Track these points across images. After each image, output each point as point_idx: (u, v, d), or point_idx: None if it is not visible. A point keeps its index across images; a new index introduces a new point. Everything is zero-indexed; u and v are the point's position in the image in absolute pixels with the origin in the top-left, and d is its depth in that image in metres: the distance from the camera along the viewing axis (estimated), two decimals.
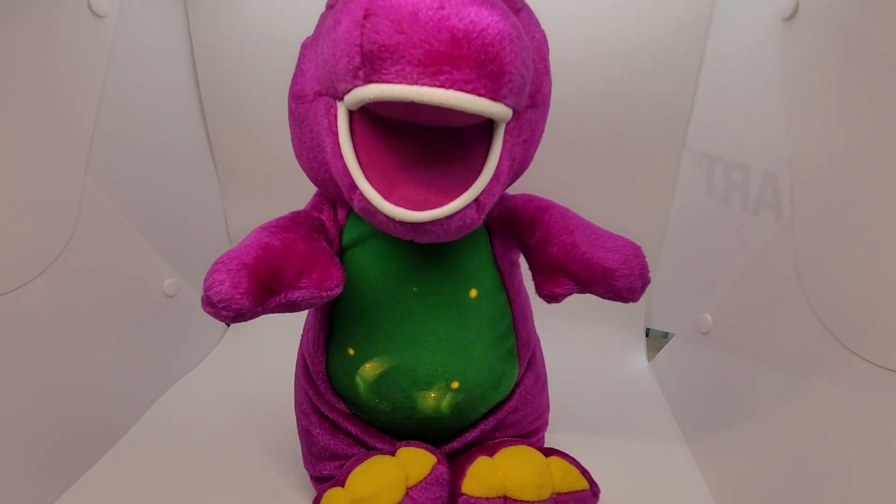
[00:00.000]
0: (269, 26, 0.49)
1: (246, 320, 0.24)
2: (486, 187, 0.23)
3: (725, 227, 0.44)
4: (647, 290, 0.53)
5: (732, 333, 0.41)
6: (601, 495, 0.32)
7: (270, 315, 0.57)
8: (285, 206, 0.41)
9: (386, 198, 0.22)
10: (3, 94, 0.34)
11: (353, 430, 0.33)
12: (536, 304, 0.36)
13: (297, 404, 0.35)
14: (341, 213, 0.31)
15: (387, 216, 0.22)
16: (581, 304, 0.54)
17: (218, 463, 0.39)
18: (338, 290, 0.26)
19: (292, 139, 0.29)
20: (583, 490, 0.29)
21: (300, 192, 0.37)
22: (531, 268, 0.30)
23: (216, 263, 0.23)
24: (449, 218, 0.22)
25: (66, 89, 0.39)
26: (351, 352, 0.32)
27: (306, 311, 0.35)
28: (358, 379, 0.32)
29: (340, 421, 0.33)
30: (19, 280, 0.36)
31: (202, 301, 0.23)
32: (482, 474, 0.29)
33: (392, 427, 0.33)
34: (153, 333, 0.48)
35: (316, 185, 0.30)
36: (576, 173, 0.50)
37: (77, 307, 0.40)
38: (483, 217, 0.24)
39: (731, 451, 0.38)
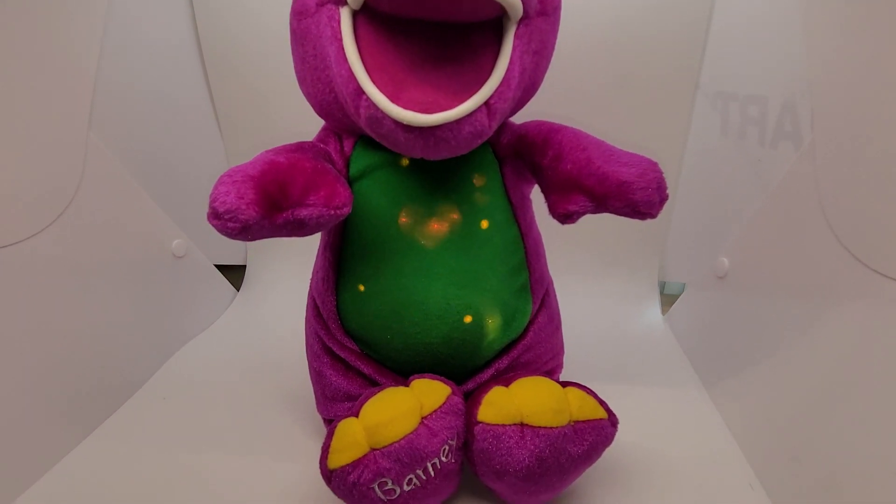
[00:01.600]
0: None
1: (253, 236, 0.23)
2: (497, 90, 0.22)
3: (741, 167, 0.42)
4: (660, 241, 0.53)
5: (751, 273, 0.40)
6: (620, 435, 0.31)
7: (281, 277, 0.58)
8: None
9: (393, 101, 0.21)
10: (2, 47, 0.33)
11: (365, 369, 0.33)
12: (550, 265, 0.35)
13: (309, 346, 0.35)
14: (347, 145, 0.30)
15: (395, 121, 0.21)
16: (593, 258, 0.54)
17: (232, 413, 0.39)
18: (346, 210, 0.25)
19: (295, 64, 0.29)
20: (601, 419, 0.29)
21: None
22: (545, 190, 0.29)
23: (221, 178, 0.22)
24: (460, 123, 0.22)
25: (65, 40, 0.38)
26: (361, 288, 0.31)
27: (314, 257, 0.34)
28: (369, 316, 0.31)
29: (352, 360, 0.33)
30: (27, 231, 0.36)
31: (208, 215, 0.22)
32: (498, 402, 0.28)
33: (405, 365, 0.33)
34: (164, 293, 0.48)
35: (321, 113, 0.29)
36: (585, 118, 0.48)
37: (86, 261, 0.40)
38: (494, 125, 0.23)
39: (750, 389, 0.37)
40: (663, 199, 0.26)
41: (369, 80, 0.21)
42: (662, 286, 0.57)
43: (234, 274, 0.58)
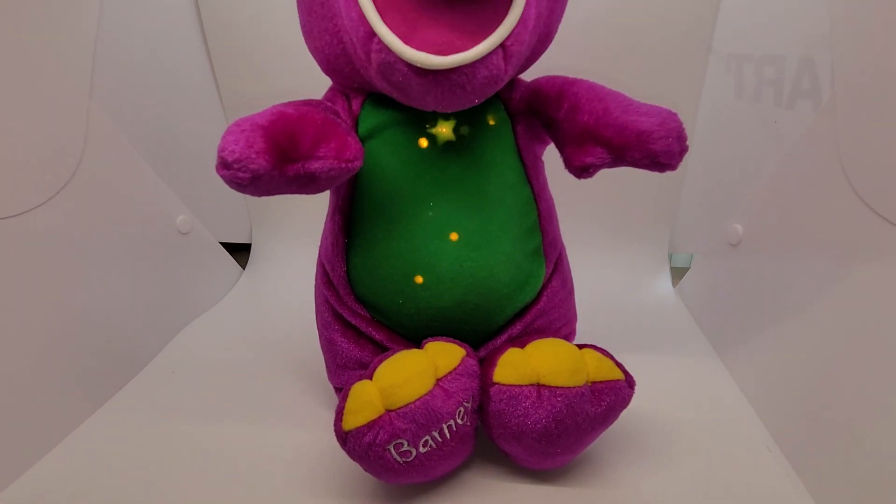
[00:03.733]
0: None
1: (264, 189, 0.22)
2: (513, 31, 0.21)
3: (756, 130, 0.42)
4: (671, 211, 0.52)
5: (766, 237, 0.39)
6: (634, 402, 0.30)
7: (287, 255, 0.57)
8: None
9: (406, 42, 0.20)
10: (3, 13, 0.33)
11: (376, 336, 0.32)
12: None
13: (319, 314, 0.35)
14: (356, 104, 0.29)
15: (408, 65, 0.21)
16: (603, 230, 0.54)
17: (242, 385, 0.39)
18: (358, 164, 0.24)
19: (301, 17, 0.28)
20: (618, 380, 0.28)
21: None
22: (560, 144, 0.28)
23: (229, 127, 0.22)
24: (475, 66, 0.21)
25: (64, 7, 0.37)
26: (372, 251, 0.30)
27: (320, 234, 0.34)
28: (381, 280, 0.30)
29: (363, 327, 0.32)
30: (31, 202, 0.35)
31: (217, 166, 0.22)
32: (514, 362, 0.28)
33: (417, 332, 0.32)
34: (170, 269, 0.47)
35: (327, 69, 0.29)
36: (596, 80, 0.48)
37: (91, 233, 0.39)
38: (511, 71, 0.22)
39: (764, 354, 0.36)
40: (683, 149, 0.25)
41: (381, 21, 0.20)
42: (670, 259, 0.56)
43: (239, 253, 0.58)
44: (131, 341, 0.41)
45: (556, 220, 0.34)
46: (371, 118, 0.29)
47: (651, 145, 0.24)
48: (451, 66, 0.20)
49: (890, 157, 0.29)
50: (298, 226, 0.55)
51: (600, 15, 0.45)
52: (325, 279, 0.33)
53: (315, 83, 0.31)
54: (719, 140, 0.47)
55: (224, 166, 0.21)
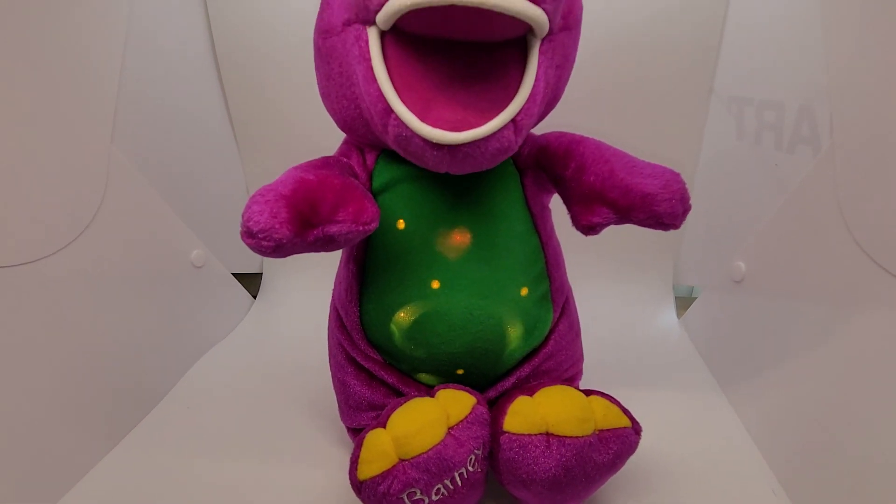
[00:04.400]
0: None
1: (286, 254, 0.23)
2: (523, 107, 0.22)
3: (757, 171, 0.42)
4: (675, 244, 0.53)
5: (769, 277, 0.40)
6: (641, 441, 0.31)
7: (297, 285, 0.58)
8: None
9: (422, 119, 0.21)
10: (27, 62, 0.34)
11: (389, 379, 0.33)
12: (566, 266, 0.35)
13: (332, 356, 0.36)
14: (370, 158, 0.31)
15: (423, 139, 0.22)
16: (607, 262, 0.54)
17: (256, 421, 0.40)
18: (374, 225, 0.25)
19: (319, 80, 0.29)
20: (625, 427, 0.29)
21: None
22: (567, 201, 0.30)
23: (253, 196, 0.23)
24: (486, 140, 0.22)
25: (88, 55, 0.39)
26: (385, 299, 0.31)
27: (337, 266, 0.35)
28: (393, 326, 0.31)
29: (376, 370, 0.33)
30: (54, 246, 0.36)
31: (242, 234, 0.23)
32: (523, 411, 0.28)
33: (428, 375, 0.33)
34: (184, 303, 0.48)
35: (344, 128, 0.30)
36: (602, 122, 0.49)
37: (109, 274, 0.40)
38: (520, 140, 0.23)
39: (768, 394, 0.37)
40: (686, 209, 0.26)
41: (399, 99, 0.22)
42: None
43: (249, 282, 0.59)
44: (147, 376, 0.42)
45: (563, 265, 0.35)
46: (385, 173, 0.30)
47: (655, 207, 0.25)
48: (465, 142, 0.21)
49: (889, 209, 0.30)
50: (307, 255, 0.56)
51: (606, 55, 0.47)
52: (338, 323, 0.34)
53: (327, 125, 0.32)
54: (722, 177, 0.48)
55: (249, 235, 0.22)
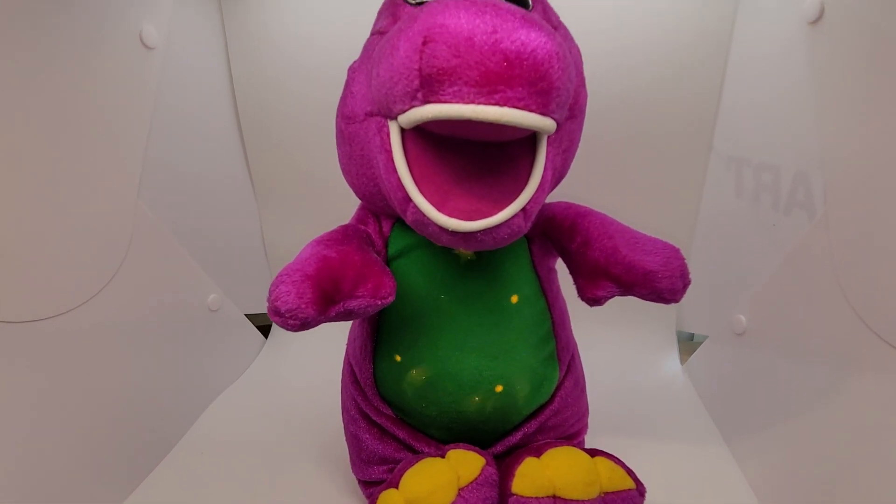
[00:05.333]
0: (303, 55, 0.52)
1: (309, 329, 0.25)
2: (532, 196, 0.24)
3: (756, 228, 0.44)
4: None
5: (768, 334, 0.41)
6: (647, 494, 0.32)
7: None
8: (318, 224, 0.43)
9: (439, 209, 0.23)
10: (64, 123, 0.36)
11: (400, 434, 0.34)
12: (569, 315, 0.37)
13: (345, 410, 0.37)
14: (386, 226, 0.32)
15: (440, 227, 0.23)
16: (611, 308, 0.55)
17: (269, 470, 0.41)
18: (391, 299, 0.27)
19: (340, 157, 0.31)
20: (629, 489, 0.30)
21: (331, 211, 0.38)
22: (572, 272, 0.31)
23: (280, 276, 0.25)
24: (498, 227, 0.24)
25: (120, 117, 0.41)
26: (398, 359, 0.33)
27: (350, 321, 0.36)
28: (405, 385, 0.33)
29: (388, 426, 0.34)
30: (81, 298, 0.38)
31: (269, 311, 0.24)
32: (531, 474, 0.29)
33: (438, 431, 0.34)
34: (198, 347, 0.50)
35: (362, 199, 0.32)
36: (604, 177, 0.51)
37: (131, 323, 0.42)
38: (530, 224, 0.25)
39: (772, 450, 0.38)
40: (686, 284, 0.28)
41: (418, 191, 0.23)
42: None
43: (262, 320, 0.60)
44: (161, 422, 0.43)
45: (569, 324, 0.36)
46: (400, 240, 0.32)
47: (657, 284, 0.27)
48: (479, 230, 0.23)
49: (885, 278, 0.31)
50: None
51: (609, 114, 0.49)
52: (352, 378, 0.36)
53: (342, 182, 0.33)
54: (722, 231, 0.49)
55: (277, 314, 0.24)
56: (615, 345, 0.55)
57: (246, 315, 0.58)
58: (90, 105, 0.38)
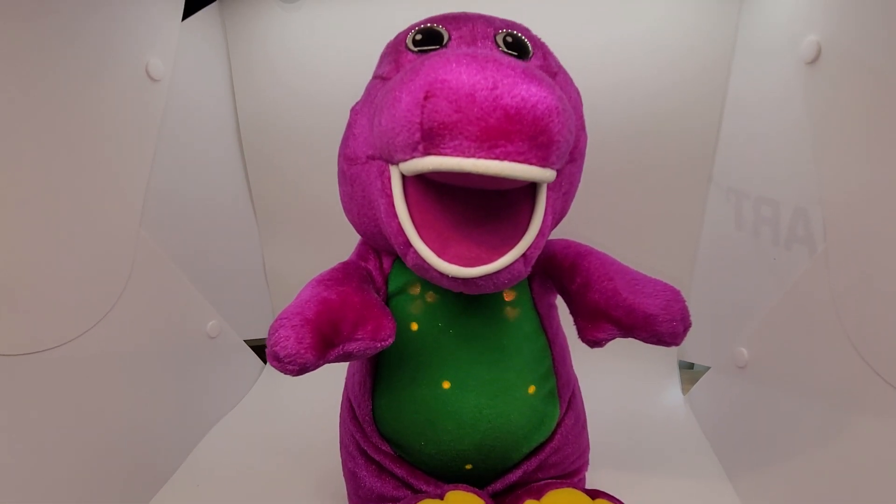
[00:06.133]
0: (306, 86, 0.52)
1: (308, 372, 0.25)
2: (532, 242, 0.24)
3: (757, 261, 0.44)
4: None
5: (770, 368, 0.41)
6: None
7: None
8: (319, 252, 0.43)
9: (440, 255, 0.23)
10: (69, 154, 0.37)
11: (398, 472, 0.34)
12: (569, 340, 0.36)
13: (343, 446, 0.36)
14: (386, 262, 0.32)
15: (440, 272, 0.23)
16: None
17: (265, 500, 0.40)
18: (390, 341, 0.27)
19: (342, 196, 0.31)
20: None
21: (332, 240, 0.39)
22: (573, 313, 0.31)
23: (280, 319, 0.25)
24: (498, 272, 0.24)
25: (124, 148, 0.42)
26: (397, 396, 0.33)
27: None
28: (404, 422, 0.32)
29: (386, 463, 0.34)
30: (82, 328, 0.38)
31: (268, 356, 0.24)
32: None
33: (437, 469, 0.34)
34: (196, 374, 0.49)
35: (363, 236, 0.32)
36: (605, 212, 0.51)
37: (131, 351, 0.42)
38: (530, 269, 0.25)
39: (775, 489, 0.37)
40: (687, 328, 0.28)
41: (418, 237, 0.24)
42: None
43: (260, 345, 0.60)
44: (159, 452, 0.43)
45: (570, 360, 0.36)
46: (400, 277, 0.32)
47: (657, 328, 0.27)
48: (478, 276, 0.23)
49: (881, 314, 0.31)
50: None
51: (610, 145, 0.49)
52: (350, 414, 0.35)
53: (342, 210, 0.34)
54: (722, 262, 0.49)
55: (276, 359, 0.24)
56: (616, 374, 0.54)
57: (246, 341, 0.58)
58: (94, 136, 0.38)
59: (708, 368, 0.51)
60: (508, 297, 0.32)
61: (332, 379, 0.39)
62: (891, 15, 0.29)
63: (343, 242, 0.36)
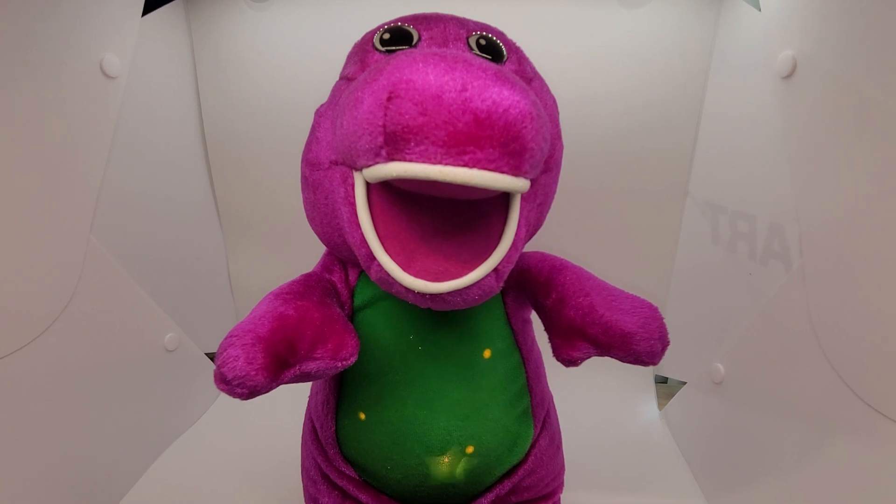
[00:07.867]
0: (274, 87, 0.50)
1: (259, 395, 0.23)
2: (505, 256, 0.22)
3: (733, 276, 0.44)
4: None
5: (746, 384, 0.41)
6: None
7: None
8: (287, 260, 0.41)
9: (405, 269, 0.22)
10: (13, 153, 0.34)
11: (363, 498, 0.32)
12: (545, 357, 0.35)
13: (305, 470, 0.34)
14: (352, 275, 0.31)
15: (406, 287, 0.22)
16: None
17: None
18: (353, 360, 0.25)
19: (305, 204, 0.29)
20: None
21: (302, 247, 0.37)
22: (547, 329, 0.30)
23: (230, 337, 0.22)
24: (468, 287, 0.22)
25: (75, 148, 0.39)
26: (362, 416, 0.31)
27: None
28: (369, 444, 0.30)
29: (350, 489, 0.32)
30: (23, 339, 0.35)
31: (215, 377, 0.22)
32: None
33: (404, 494, 0.32)
34: (153, 389, 0.46)
35: (327, 246, 0.30)
36: (581, 225, 0.50)
37: (78, 365, 0.39)
38: (502, 284, 0.23)
39: None
40: (665, 346, 0.26)
41: (382, 249, 0.22)
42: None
43: None
44: (107, 474, 0.40)
45: (544, 378, 0.35)
46: (367, 290, 0.30)
47: (635, 346, 0.26)
48: (446, 292, 0.22)
49: (857, 330, 0.31)
50: None
51: (586, 161, 0.49)
52: (313, 436, 0.33)
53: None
54: (699, 277, 0.49)
55: (223, 381, 0.22)
56: (592, 389, 0.53)
57: (208, 354, 0.55)
58: (41, 134, 0.36)
59: (683, 383, 0.51)
60: (480, 312, 0.31)
61: (298, 396, 0.36)
62: (865, 30, 0.29)
63: (314, 250, 0.34)
